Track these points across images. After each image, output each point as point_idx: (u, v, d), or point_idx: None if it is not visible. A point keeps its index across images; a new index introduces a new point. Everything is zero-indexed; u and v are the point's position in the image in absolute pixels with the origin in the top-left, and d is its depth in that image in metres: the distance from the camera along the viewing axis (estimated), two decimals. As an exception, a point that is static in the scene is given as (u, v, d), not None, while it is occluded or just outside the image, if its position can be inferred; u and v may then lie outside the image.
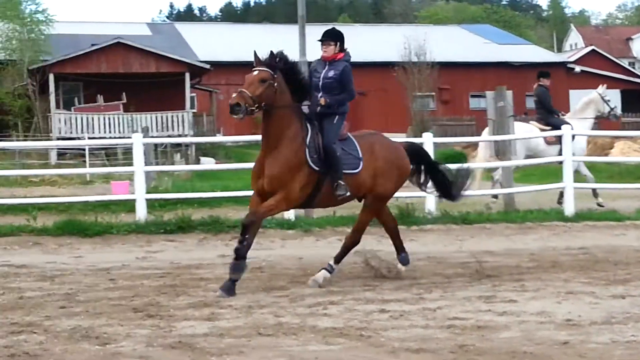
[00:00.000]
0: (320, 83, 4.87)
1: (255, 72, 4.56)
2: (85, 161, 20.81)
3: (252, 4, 79.34)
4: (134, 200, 8.53)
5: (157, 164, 17.75)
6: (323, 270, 4.88)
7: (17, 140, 22.11)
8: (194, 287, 4.89)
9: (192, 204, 9.81)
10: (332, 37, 4.96)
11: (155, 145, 17.95)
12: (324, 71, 4.89)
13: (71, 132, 24.46)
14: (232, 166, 13.73)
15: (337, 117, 4.88)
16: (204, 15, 79.58)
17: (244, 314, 3.89)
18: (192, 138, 23.92)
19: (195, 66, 27.33)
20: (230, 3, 79.61)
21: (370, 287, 4.79)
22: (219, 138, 24.38)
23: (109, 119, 24.78)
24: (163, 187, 12.95)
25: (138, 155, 8.47)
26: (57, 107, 25.69)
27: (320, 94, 4.83)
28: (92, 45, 26.69)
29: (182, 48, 31.75)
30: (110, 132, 24.61)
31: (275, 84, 4.54)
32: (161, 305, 4.17)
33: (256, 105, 4.49)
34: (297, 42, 11.66)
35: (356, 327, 3.50)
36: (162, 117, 25.31)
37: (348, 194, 4.79)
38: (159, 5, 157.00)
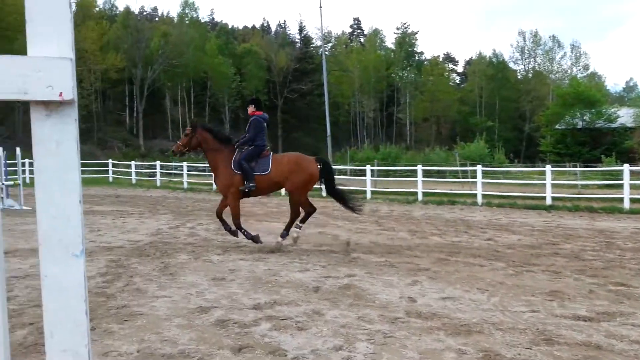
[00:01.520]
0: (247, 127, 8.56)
1: (185, 132, 8.63)
2: None
3: None
4: None
5: None
6: (295, 231, 8.46)
7: None
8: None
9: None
10: (251, 102, 8.79)
11: None
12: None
13: None
14: None
15: (252, 147, 8.26)
16: None
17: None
18: None
19: None
20: None
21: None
22: None
23: None
24: None
25: None
26: None
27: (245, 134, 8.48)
28: None
29: None
30: None
31: (197, 136, 8.37)
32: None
33: (187, 149, 8.55)
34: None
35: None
36: None
37: (253, 187, 8.08)
38: None
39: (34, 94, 1.02)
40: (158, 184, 24.51)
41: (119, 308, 4.95)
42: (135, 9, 66.06)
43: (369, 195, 20.11)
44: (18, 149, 16.21)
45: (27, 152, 30.96)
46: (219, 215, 8.46)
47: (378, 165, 25.99)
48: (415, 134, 73.80)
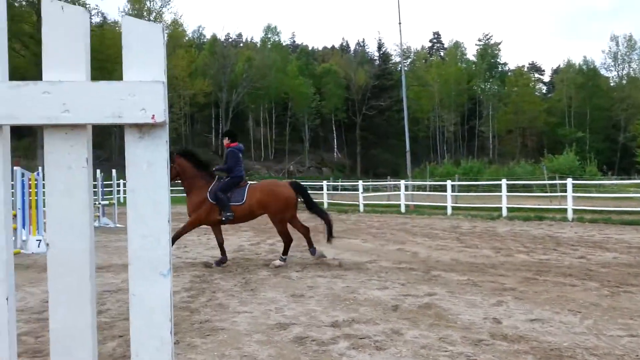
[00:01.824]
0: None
1: None
2: None
3: None
4: None
5: None
6: (277, 260, 8.44)
7: None
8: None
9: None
10: (225, 134, 9.01)
11: None
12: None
13: None
14: None
15: (229, 178, 8.45)
16: None
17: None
18: None
19: None
20: None
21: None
22: None
23: None
24: None
25: None
26: None
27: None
28: None
29: None
30: None
31: (175, 167, 8.14)
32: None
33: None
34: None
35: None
36: None
37: (231, 216, 8.24)
38: None
39: (128, 117, 1.07)
40: (241, 202, 25.26)
41: (202, 322, 5.10)
42: (222, 36, 69.44)
43: (449, 211, 19.56)
44: (114, 171, 17.43)
45: (122, 174, 33.13)
46: (220, 244, 8.65)
47: (459, 180, 25.27)
48: (499, 147, 71.15)
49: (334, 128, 70.39)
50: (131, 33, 1.10)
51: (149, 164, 1.08)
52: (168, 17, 64.59)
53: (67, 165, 1.12)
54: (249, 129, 61.71)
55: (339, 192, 34.01)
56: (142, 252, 1.07)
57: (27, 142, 43.35)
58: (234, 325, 5.01)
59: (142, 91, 1.08)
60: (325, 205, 23.91)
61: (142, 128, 1.08)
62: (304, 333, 4.71)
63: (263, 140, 62.66)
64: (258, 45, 70.45)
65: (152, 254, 1.07)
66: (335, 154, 70.51)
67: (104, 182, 16.00)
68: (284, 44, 74.50)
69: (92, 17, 45.65)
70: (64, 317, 1.12)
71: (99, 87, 1.09)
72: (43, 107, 1.09)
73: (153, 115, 1.07)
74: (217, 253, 9.75)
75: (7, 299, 1.13)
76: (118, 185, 18.98)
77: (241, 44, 76.31)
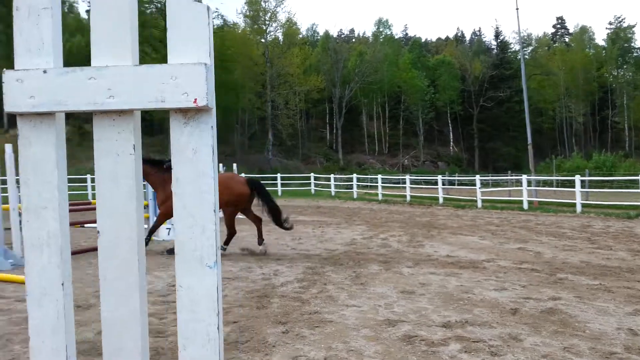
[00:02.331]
0: None
1: None
2: None
3: None
4: None
5: None
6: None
7: None
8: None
9: None
10: None
11: None
12: None
13: None
14: None
15: None
16: None
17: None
18: None
19: None
20: None
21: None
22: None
23: None
24: None
25: None
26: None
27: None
28: None
29: None
30: None
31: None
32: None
33: None
34: None
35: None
36: None
37: None
38: None
39: (170, 102, 1.01)
40: (355, 195, 25.40)
41: (311, 314, 5.14)
42: (334, 33, 70.17)
43: (579, 208, 18.03)
44: (235, 165, 18.37)
45: (244, 169, 34.92)
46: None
47: (590, 175, 23.21)
48: (636, 139, 64.36)
49: (449, 121, 68.21)
50: (175, 12, 1.04)
51: (194, 151, 1.02)
52: (282, 17, 66.75)
53: (115, 153, 1.09)
54: (362, 123, 61.86)
55: (455, 186, 32.89)
56: (188, 243, 1.02)
57: (160, 138, 47.24)
58: (342, 318, 4.99)
59: (184, 74, 1.01)
60: (440, 201, 23.23)
61: (187, 113, 1.02)
62: (412, 332, 4.54)
63: (377, 135, 62.48)
64: (370, 39, 70.26)
65: (197, 245, 1.01)
66: (451, 147, 68.34)
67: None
68: (396, 37, 73.59)
69: (213, 20, 48.41)
70: (113, 305, 1.09)
71: (142, 71, 1.05)
72: (89, 93, 1.07)
73: (195, 99, 1.01)
74: (330, 245, 9.84)
75: (62, 284, 1.12)
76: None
77: (353, 39, 76.63)
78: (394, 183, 27.50)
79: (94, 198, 22.30)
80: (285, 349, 4.11)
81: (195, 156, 1.02)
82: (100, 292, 1.06)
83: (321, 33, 71.55)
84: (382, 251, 9.17)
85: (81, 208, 10.83)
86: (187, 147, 1.03)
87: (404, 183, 24.41)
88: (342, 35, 73.74)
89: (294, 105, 54.34)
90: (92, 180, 26.35)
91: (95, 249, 9.22)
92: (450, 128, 68.34)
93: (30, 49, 1.09)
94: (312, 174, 30.47)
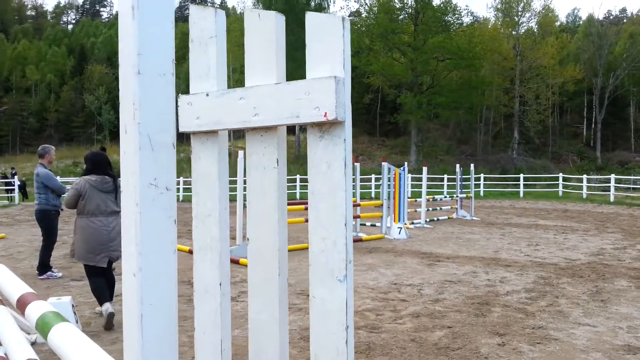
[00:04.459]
0: None
1: None
2: None
3: None
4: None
5: None
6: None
7: None
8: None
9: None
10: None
11: None
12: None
13: None
14: None
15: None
16: None
17: None
18: None
19: None
20: None
21: None
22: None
23: None
24: None
25: None
26: None
27: None
28: None
29: None
30: None
31: None
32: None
33: None
34: None
35: None
36: None
37: None
38: None
39: (303, 117, 1.07)
40: (611, 199, 22.23)
41: (534, 328, 4.76)
42: (599, 15, 62.07)
43: None
44: (472, 165, 17.89)
45: (482, 169, 33.59)
46: None
47: None
48: None
49: None
50: (311, 27, 1.07)
51: (327, 165, 1.04)
52: (537, 5, 62.04)
53: (262, 166, 1.19)
54: (629, 115, 53.52)
55: None
56: (320, 255, 1.04)
57: (403, 140, 48.73)
58: (570, 337, 4.49)
59: (315, 89, 1.04)
60: None
61: (322, 127, 1.04)
62: (658, 364, 3.84)
63: (649, 129, 53.38)
64: (645, 18, 60.18)
65: (329, 257, 1.03)
66: None
67: (462, 176, 16.58)
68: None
69: (463, 17, 47.51)
70: (257, 308, 1.18)
71: (281, 89, 1.11)
72: (238, 112, 1.19)
73: (325, 113, 1.02)
74: (571, 254, 8.87)
75: (220, 284, 1.25)
76: (476, 179, 19.33)
77: (624, 20, 66.73)
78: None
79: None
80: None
81: (329, 170, 1.04)
82: (248, 295, 1.18)
83: (583, 18, 64.17)
84: (636, 265, 7.88)
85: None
86: (321, 161, 1.06)
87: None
88: (610, 17, 64.87)
89: (545, 99, 50.05)
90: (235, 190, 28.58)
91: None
92: None
93: (200, 75, 1.30)
94: (560, 174, 27.69)
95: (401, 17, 45.32)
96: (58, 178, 8.39)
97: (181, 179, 25.35)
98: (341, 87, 1.02)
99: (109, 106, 56.82)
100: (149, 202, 0.93)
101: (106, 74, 61.21)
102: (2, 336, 2.50)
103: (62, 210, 7.19)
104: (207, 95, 1.27)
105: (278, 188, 1.17)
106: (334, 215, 1.03)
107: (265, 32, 1.16)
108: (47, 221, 7.01)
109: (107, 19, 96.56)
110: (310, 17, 1.08)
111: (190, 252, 9.10)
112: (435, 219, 14.73)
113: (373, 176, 28.36)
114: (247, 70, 1.21)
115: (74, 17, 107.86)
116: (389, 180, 11.80)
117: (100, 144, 49.98)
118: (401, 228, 11.19)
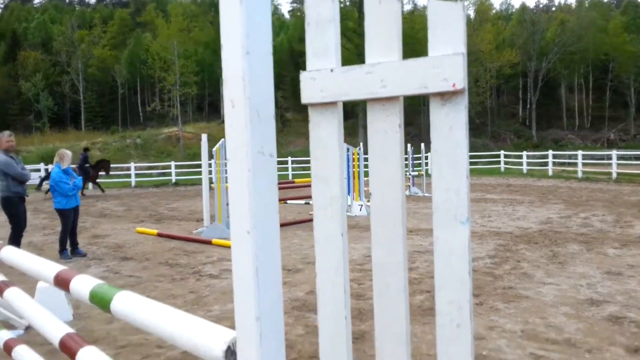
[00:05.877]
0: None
1: None
2: None
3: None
4: None
5: None
6: None
7: None
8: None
9: None
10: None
11: None
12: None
13: None
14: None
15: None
16: None
17: None
18: None
19: None
20: None
21: None
22: None
23: None
24: None
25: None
26: None
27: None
28: None
29: None
30: None
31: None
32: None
33: None
34: None
35: None
36: None
37: None
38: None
39: (432, 87, 1.26)
40: (550, 173, 23.56)
41: (504, 289, 5.13)
42: (531, 3, 64.76)
43: None
44: (422, 145, 18.48)
45: (429, 148, 34.56)
46: None
47: None
48: None
49: (670, 89, 58.47)
50: (435, 14, 1.27)
51: (450, 128, 1.25)
52: (472, -10, 63.81)
53: (384, 131, 1.38)
54: (561, 96, 56.50)
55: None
56: (443, 203, 1.24)
57: (350, 122, 49.30)
58: (538, 295, 4.88)
59: (444, 64, 1.24)
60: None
61: (444, 96, 1.25)
62: (620, 312, 4.27)
63: (577, 108, 56.56)
64: (573, 6, 63.34)
65: (452, 204, 1.23)
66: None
67: (414, 155, 17.12)
68: (604, 0, 65.10)
69: (405, 5, 48.48)
70: (381, 254, 1.39)
71: (408, 64, 1.31)
72: (366, 85, 1.37)
73: (454, 84, 1.22)
74: (523, 223, 9.45)
75: (341, 234, 1.45)
76: (426, 158, 20.03)
77: (553, 8, 69.95)
78: (597, 159, 24.71)
79: (293, 178, 24.47)
80: (481, 319, 4.21)
81: (451, 132, 1.25)
82: (372, 244, 1.38)
83: (517, 6, 66.76)
84: (582, 231, 8.52)
85: (284, 187, 12.04)
86: (444, 124, 1.26)
87: (609, 159, 21.83)
88: (540, 6, 67.78)
89: (484, 82, 51.98)
90: (292, 162, 28.71)
91: (298, 222, 10.21)
92: (673, 97, 58.53)
93: (318, 53, 1.49)
94: (502, 152, 29.02)
95: (347, 3, 45.82)
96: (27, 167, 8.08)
97: (132, 164, 24.67)
98: (465, 61, 1.23)
99: (47, 92, 53.95)
100: (260, 168, 1.06)
101: (42, 60, 57.84)
102: (29, 315, 2.51)
103: (27, 196, 6.96)
104: (332, 71, 1.45)
105: (400, 149, 1.37)
106: (456, 169, 1.24)
107: (387, 16, 1.35)
108: (11, 208, 6.77)
109: (39, 4, 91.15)
110: (433, 5, 1.28)
111: (159, 235, 9.00)
112: (390, 197, 15.14)
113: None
114: (368, 49, 1.40)
115: (2, 1, 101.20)
116: (347, 160, 12.05)
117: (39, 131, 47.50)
118: (362, 205, 11.49)
